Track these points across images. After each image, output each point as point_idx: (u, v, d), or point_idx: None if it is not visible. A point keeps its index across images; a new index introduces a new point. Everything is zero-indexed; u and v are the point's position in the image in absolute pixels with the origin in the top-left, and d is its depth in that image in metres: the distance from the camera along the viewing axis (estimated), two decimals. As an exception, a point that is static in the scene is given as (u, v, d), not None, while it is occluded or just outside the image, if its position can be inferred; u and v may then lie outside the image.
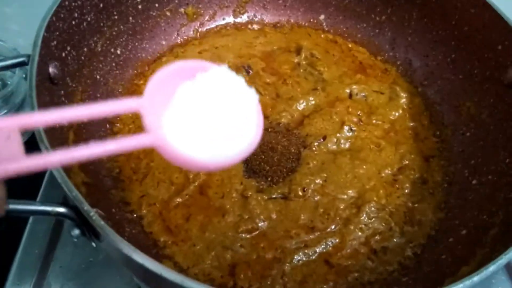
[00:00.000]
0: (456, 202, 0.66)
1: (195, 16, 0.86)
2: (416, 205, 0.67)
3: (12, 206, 0.43)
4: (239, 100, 0.38)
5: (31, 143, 0.43)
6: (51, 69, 0.56)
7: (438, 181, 0.70)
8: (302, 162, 0.68)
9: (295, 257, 0.60)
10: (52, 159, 0.33)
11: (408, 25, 0.83)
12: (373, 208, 0.64)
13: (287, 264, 0.59)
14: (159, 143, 0.36)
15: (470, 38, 0.73)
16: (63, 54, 0.60)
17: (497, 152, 0.65)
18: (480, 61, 0.71)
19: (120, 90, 0.75)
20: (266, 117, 0.73)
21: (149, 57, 0.81)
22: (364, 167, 0.68)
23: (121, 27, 0.75)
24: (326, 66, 0.82)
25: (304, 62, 0.82)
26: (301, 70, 0.81)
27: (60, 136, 0.56)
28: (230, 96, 0.38)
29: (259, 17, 0.91)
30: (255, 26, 0.89)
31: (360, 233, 0.62)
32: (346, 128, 0.73)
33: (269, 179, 0.66)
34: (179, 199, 0.63)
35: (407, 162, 0.71)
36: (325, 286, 0.58)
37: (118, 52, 0.75)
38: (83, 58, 0.66)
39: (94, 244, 0.50)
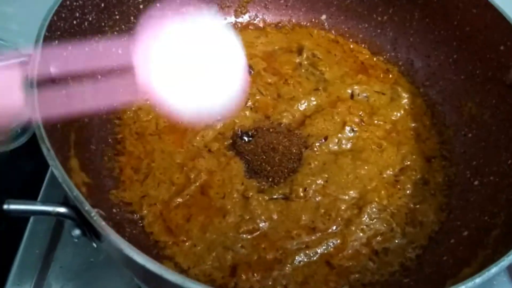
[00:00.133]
0: (458, 203, 0.66)
1: (196, 16, 0.86)
2: (417, 206, 0.66)
3: (12, 206, 0.43)
4: (225, 50, 0.37)
5: (32, 143, 0.43)
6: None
7: (439, 182, 0.70)
8: (303, 163, 0.68)
9: (296, 258, 0.59)
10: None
11: (409, 25, 0.83)
12: (374, 209, 0.64)
13: (288, 265, 0.59)
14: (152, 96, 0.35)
15: (472, 38, 0.73)
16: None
17: (499, 153, 0.64)
18: (482, 61, 0.71)
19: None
20: (267, 117, 0.73)
21: (150, 57, 0.81)
22: (366, 167, 0.68)
23: (123, 27, 0.75)
24: (327, 66, 0.81)
25: (305, 62, 0.82)
26: (303, 70, 0.81)
27: (61, 136, 0.56)
28: (218, 47, 0.37)
29: (260, 17, 0.90)
30: (257, 26, 0.89)
31: (361, 234, 0.62)
32: (347, 128, 0.72)
33: (270, 179, 0.66)
34: (179, 200, 0.63)
35: (408, 162, 0.71)
36: (326, 287, 0.58)
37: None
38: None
39: (94, 245, 0.50)
